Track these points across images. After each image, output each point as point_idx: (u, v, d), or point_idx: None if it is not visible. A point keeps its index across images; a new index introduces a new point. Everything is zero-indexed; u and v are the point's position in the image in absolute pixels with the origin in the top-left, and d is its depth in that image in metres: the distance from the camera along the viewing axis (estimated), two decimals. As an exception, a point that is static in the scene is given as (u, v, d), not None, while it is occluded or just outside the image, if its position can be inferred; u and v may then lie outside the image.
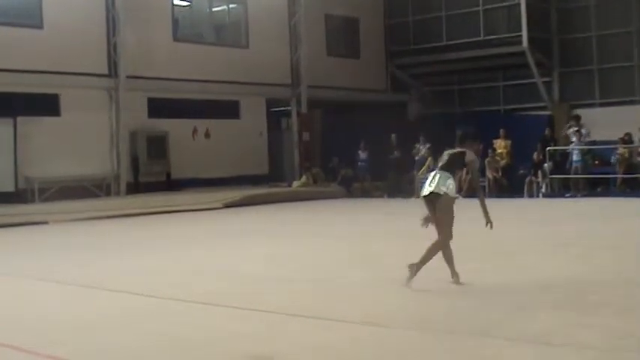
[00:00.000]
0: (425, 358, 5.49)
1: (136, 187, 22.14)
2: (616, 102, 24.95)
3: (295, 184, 25.01)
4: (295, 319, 6.73)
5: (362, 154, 24.52)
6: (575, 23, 26.00)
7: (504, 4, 26.08)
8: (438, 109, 28.67)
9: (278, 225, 16.38)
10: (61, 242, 13.90)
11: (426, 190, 7.89)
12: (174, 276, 9.33)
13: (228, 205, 20.42)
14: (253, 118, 25.69)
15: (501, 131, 23.30)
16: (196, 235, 14.57)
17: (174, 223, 17.03)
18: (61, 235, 15.30)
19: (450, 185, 7.76)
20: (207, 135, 24.34)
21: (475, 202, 8.03)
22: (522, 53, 25.27)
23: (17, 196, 19.79)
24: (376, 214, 18.38)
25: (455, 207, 7.87)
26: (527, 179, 21.60)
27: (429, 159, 22.01)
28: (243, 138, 25.04)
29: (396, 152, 24.09)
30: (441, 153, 8.29)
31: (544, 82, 26.09)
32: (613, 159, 21.55)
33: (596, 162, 22.19)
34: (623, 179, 21.16)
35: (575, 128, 21.82)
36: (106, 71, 22.00)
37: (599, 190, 21.26)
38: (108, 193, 21.78)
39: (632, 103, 24.52)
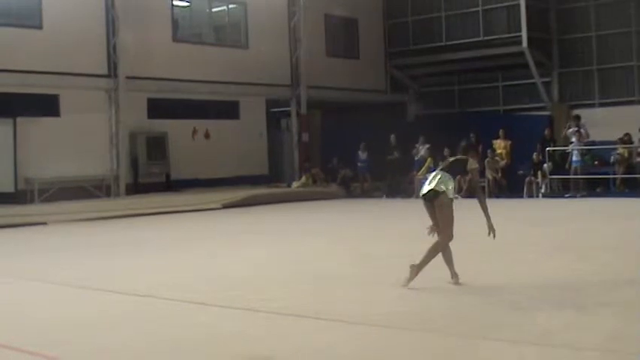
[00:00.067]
0: (425, 359, 5.49)
1: (135, 188, 22.12)
2: (615, 102, 24.93)
3: (295, 184, 25.02)
4: (295, 319, 6.73)
5: (362, 155, 24.54)
6: (575, 23, 25.99)
7: (504, 4, 26.07)
8: (438, 110, 28.69)
9: (278, 225, 16.39)
10: (60, 243, 13.90)
11: (425, 188, 7.93)
12: (173, 276, 9.33)
13: (227, 206, 20.43)
14: (253, 118, 25.68)
15: (501, 131, 23.32)
16: (196, 235, 14.58)
17: (174, 223, 17.03)
18: (60, 235, 15.29)
19: (449, 185, 7.80)
20: (206, 135, 24.33)
21: (474, 202, 8.05)
22: (522, 53, 25.26)
23: (17, 197, 19.77)
24: (376, 215, 18.39)
25: (454, 207, 7.90)
26: (527, 179, 21.60)
27: (429, 159, 22.02)
28: (243, 138, 25.04)
29: (395, 153, 24.10)
30: (440, 153, 8.38)
31: (543, 83, 26.08)
32: (612, 159, 21.54)
33: (596, 162, 22.19)
34: (623, 179, 21.15)
35: (575, 128, 21.84)
36: (105, 72, 21.98)
37: (598, 190, 21.25)
38: (107, 194, 21.76)
39: (631, 103, 24.49)
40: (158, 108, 23.09)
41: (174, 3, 24.35)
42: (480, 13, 26.69)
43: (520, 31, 25.19)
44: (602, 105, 25.36)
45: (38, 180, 20.21)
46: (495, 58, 26.35)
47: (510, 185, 22.20)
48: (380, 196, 23.28)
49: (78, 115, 21.07)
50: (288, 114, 27.38)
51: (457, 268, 7.95)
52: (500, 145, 23.17)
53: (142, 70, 22.43)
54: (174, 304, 7.61)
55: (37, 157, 20.18)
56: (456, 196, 8.01)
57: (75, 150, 20.92)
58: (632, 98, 24.71)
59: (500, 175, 22.23)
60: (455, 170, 8.05)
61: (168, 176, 23.02)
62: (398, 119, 29.01)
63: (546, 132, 23.08)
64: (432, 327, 6.23)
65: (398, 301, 7.25)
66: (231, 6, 25.97)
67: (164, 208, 19.41)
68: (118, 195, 21.69)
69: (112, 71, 21.99)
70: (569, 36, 26.15)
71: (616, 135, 21.86)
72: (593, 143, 22.49)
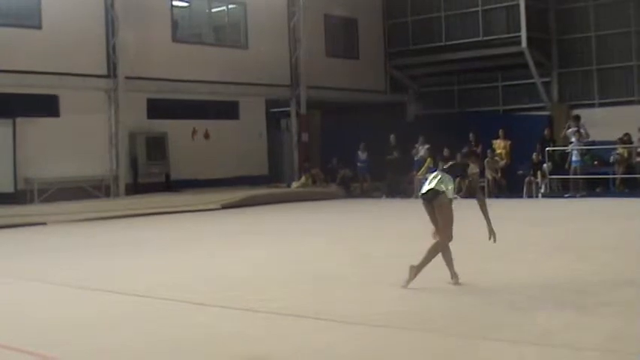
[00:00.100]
0: (425, 359, 5.48)
1: (135, 188, 22.11)
2: (615, 102, 24.92)
3: (294, 184, 25.01)
4: (294, 319, 6.73)
5: (361, 155, 24.54)
6: (574, 23, 25.98)
7: (503, 4, 26.06)
8: (437, 110, 28.68)
9: (277, 225, 16.39)
10: (59, 243, 13.89)
11: (425, 188, 7.94)
12: (173, 276, 9.33)
13: (226, 206, 20.42)
14: (253, 118, 25.67)
15: (500, 131, 23.32)
16: (195, 235, 14.58)
17: (174, 223, 17.03)
18: (59, 235, 15.29)
19: (449, 186, 7.82)
20: (206, 136, 24.32)
21: (473, 202, 8.06)
22: (521, 53, 25.26)
23: (16, 197, 19.76)
24: (375, 215, 18.39)
25: (453, 208, 7.91)
26: (527, 179, 21.60)
27: (429, 159, 22.01)
28: (243, 139, 25.02)
29: (395, 153, 24.10)
30: (440, 153, 8.45)
31: (543, 83, 26.07)
32: (612, 159, 21.53)
33: (596, 162, 22.18)
34: (622, 179, 21.15)
35: (575, 128, 21.83)
36: (105, 72, 21.96)
37: (598, 190, 21.24)
38: (107, 194, 21.74)
39: (631, 103, 24.48)
40: (158, 108, 23.08)
41: (174, 3, 24.35)
42: (480, 13, 26.68)
43: (519, 31, 25.19)
44: (601, 105, 25.35)
45: (38, 180, 20.20)
46: (495, 58, 26.34)
47: (510, 185, 22.21)
48: (379, 197, 23.28)
49: (77, 115, 21.07)
50: (287, 114, 27.37)
51: (457, 269, 7.94)
52: (499, 145, 23.17)
53: (141, 71, 22.42)
54: (174, 304, 7.61)
55: (37, 157, 20.17)
56: (456, 196, 8.03)
57: (74, 150, 20.92)
58: (632, 98, 24.70)
59: (499, 175, 22.22)
60: (455, 173, 8.09)
61: (167, 176, 23.00)
62: (397, 119, 29.00)
63: (546, 132, 23.08)
64: (432, 327, 6.22)
65: (397, 301, 7.25)
66: (230, 6, 25.96)
67: (163, 209, 19.41)
68: (117, 195, 21.68)
69: (112, 71, 21.98)
70: (569, 36, 26.15)
71: (615, 135, 21.85)
72: (593, 143, 22.48)
